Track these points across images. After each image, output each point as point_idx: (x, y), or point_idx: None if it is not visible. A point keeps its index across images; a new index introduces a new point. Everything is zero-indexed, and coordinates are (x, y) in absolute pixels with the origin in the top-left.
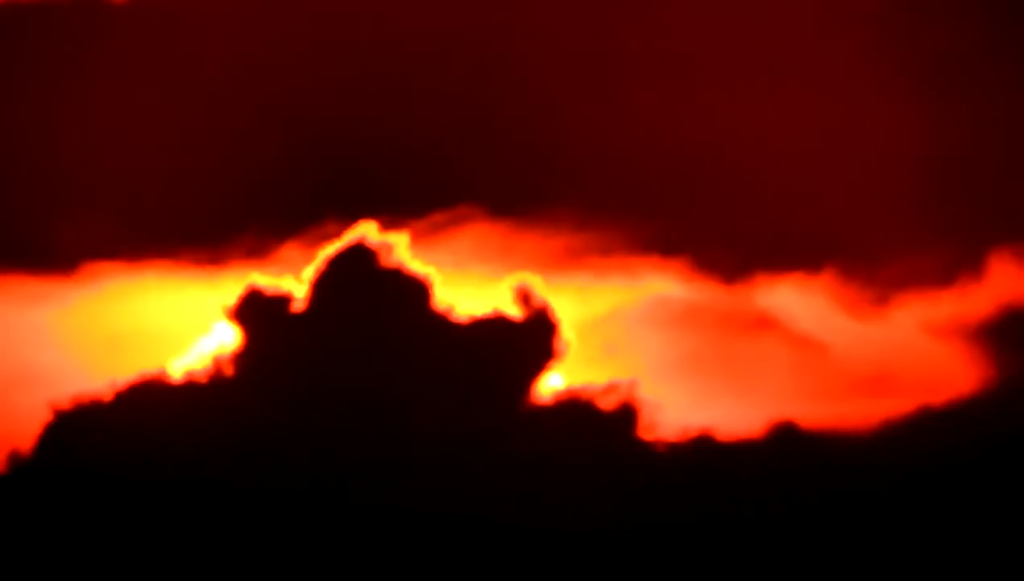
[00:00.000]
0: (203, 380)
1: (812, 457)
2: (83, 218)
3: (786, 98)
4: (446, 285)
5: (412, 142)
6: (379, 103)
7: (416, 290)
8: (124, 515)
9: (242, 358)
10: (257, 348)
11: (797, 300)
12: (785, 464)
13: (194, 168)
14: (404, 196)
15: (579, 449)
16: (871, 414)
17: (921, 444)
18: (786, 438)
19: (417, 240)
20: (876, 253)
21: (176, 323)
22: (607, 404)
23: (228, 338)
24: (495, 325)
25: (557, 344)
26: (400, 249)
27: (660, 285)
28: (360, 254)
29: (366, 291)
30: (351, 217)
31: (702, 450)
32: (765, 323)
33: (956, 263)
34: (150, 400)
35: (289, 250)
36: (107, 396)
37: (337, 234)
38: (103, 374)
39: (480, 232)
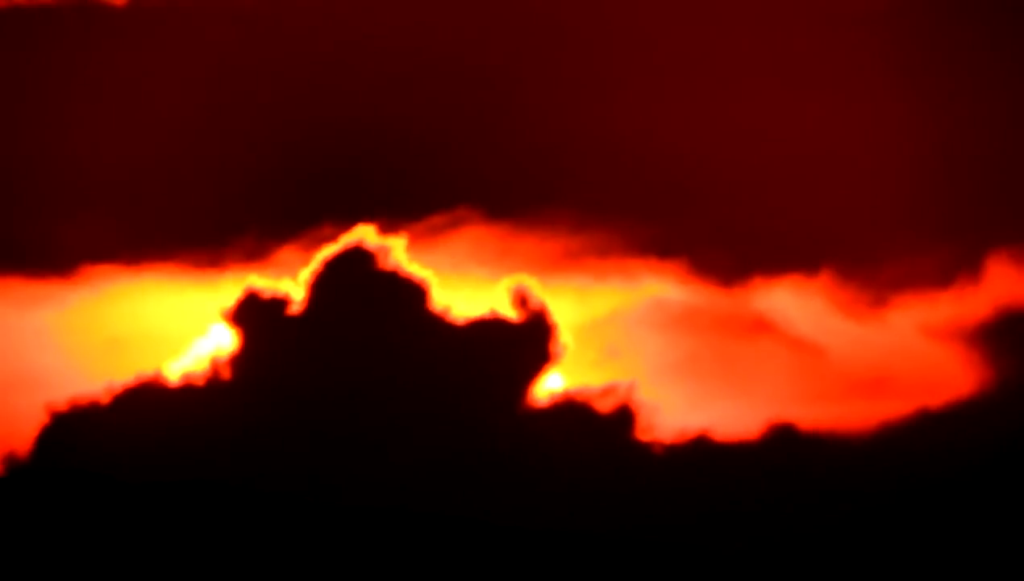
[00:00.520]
0: (201, 382)
1: (810, 459)
2: (82, 221)
3: (784, 100)
4: (444, 287)
5: (410, 145)
6: (377, 106)
7: (414, 292)
8: (121, 517)
9: (240, 360)
10: (255, 350)
11: (795, 302)
12: (783, 466)
13: (192, 171)
14: (402, 199)
15: (577, 451)
16: (869, 416)
17: (919, 446)
18: (784, 440)
19: (415, 242)
20: (874, 255)
21: (175, 325)
22: (605, 406)
23: (226, 340)
24: (493, 327)
25: (554, 346)
26: (398, 251)
27: (658, 287)
28: (358, 257)
29: (364, 293)
30: (349, 220)
31: (700, 452)
32: (763, 325)
33: (954, 265)
34: (148, 402)
35: (287, 253)
36: (105, 398)
37: (335, 237)
38: (102, 376)
39: (478, 234)
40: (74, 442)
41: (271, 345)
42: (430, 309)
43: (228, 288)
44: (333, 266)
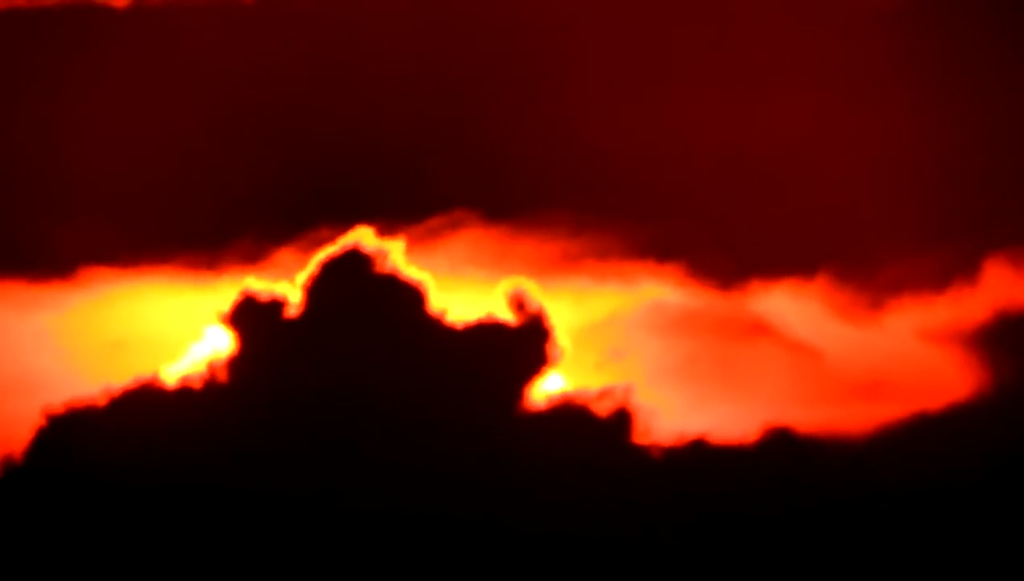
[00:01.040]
0: (198, 385)
1: (807, 462)
2: (80, 223)
3: (781, 104)
4: (441, 290)
5: (407, 147)
6: (374, 108)
7: (411, 295)
8: (118, 520)
9: (237, 363)
10: (252, 353)
11: (792, 305)
12: (781, 469)
13: (190, 173)
14: (399, 201)
15: (575, 454)
16: (866, 420)
17: (917, 449)
18: (782, 443)
19: (412, 245)
20: (871, 258)
21: (173, 328)
22: (602, 409)
23: (222, 343)
24: (490, 330)
25: (552, 349)
26: (395, 254)
27: (657, 290)
28: (355, 259)
29: (361, 296)
30: (346, 222)
31: (697, 455)
32: (761, 328)
33: (952, 268)
34: (144, 405)
35: (284, 255)
36: (102, 401)
37: (332, 239)
38: (100, 379)
39: (476, 237)
40: (71, 445)
41: (268, 348)
42: (427, 312)
43: (226, 291)
44: (330, 269)
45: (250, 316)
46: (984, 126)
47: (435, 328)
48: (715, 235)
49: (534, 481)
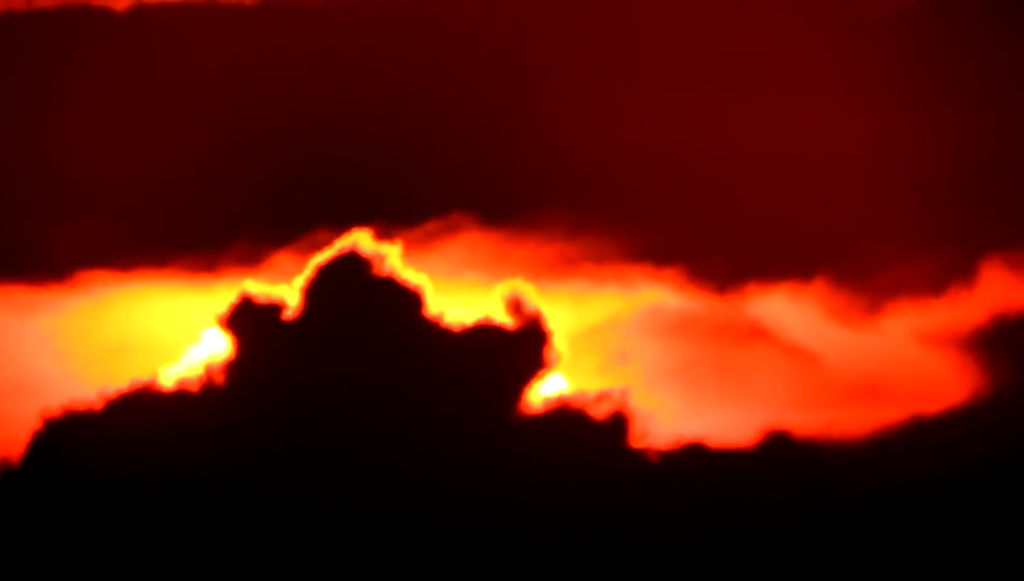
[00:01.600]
0: (195, 388)
1: (805, 465)
2: (78, 227)
3: (779, 110)
4: (439, 293)
5: (405, 151)
6: (372, 112)
7: (408, 298)
8: (116, 522)
9: (234, 365)
10: (249, 356)
11: (789, 309)
12: (778, 472)
13: (188, 177)
14: (397, 204)
15: (571, 457)
16: (864, 422)
17: (914, 452)
18: (779, 446)
19: (410, 248)
20: (868, 262)
21: (172, 331)
22: (599, 413)
23: (220, 346)
24: (487, 333)
25: (549, 353)
26: (392, 257)
27: (655, 294)
28: (353, 262)
29: (358, 299)
30: (344, 225)
31: (695, 458)
32: (758, 332)
33: (948, 272)
34: (142, 408)
35: (282, 258)
36: (99, 404)
37: (330, 242)
38: (99, 382)
39: (473, 240)
40: (70, 447)
41: (266, 350)
42: (425, 315)
43: (224, 294)
44: (328, 272)
45: (248, 319)
46: (981, 132)
47: (432, 331)
48: (713, 239)
49: (531, 483)
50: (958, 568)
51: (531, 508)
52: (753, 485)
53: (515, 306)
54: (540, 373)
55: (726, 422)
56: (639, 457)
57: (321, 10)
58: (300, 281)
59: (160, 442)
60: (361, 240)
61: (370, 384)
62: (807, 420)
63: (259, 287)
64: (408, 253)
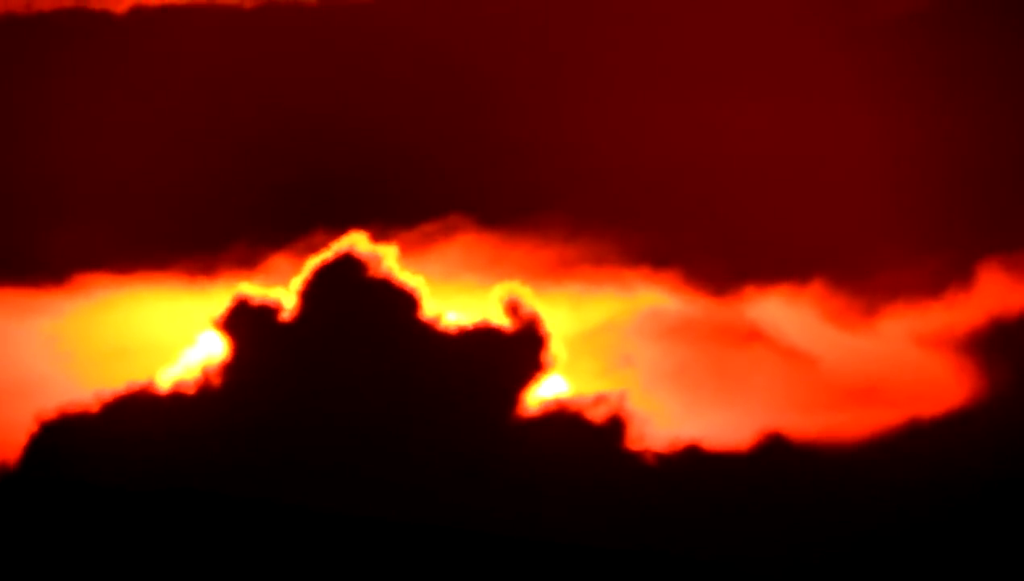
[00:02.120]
0: (192, 390)
1: (801, 467)
2: (76, 230)
3: (776, 114)
4: (436, 295)
5: (402, 152)
6: (369, 114)
7: (405, 300)
8: (112, 524)
9: (231, 367)
10: (246, 358)
11: (787, 311)
12: (775, 474)
13: (185, 180)
14: (394, 206)
15: (568, 459)
16: (860, 425)
17: (911, 454)
18: (776, 448)
19: (407, 250)
20: (865, 265)
21: (170, 333)
22: (597, 415)
23: (217, 348)
24: (484, 335)
25: (545, 355)
26: (389, 259)
27: (653, 296)
28: (349, 264)
29: (355, 301)
30: (340, 227)
31: (692, 460)
32: (756, 335)
33: (945, 274)
34: (139, 410)
35: (279, 260)
36: (96, 406)
37: (326, 244)
38: (98, 384)
39: (470, 242)
40: (67, 450)
41: (262, 353)
42: (421, 317)
43: (221, 296)
44: (324, 273)
45: (244, 321)
46: (978, 135)
47: (429, 333)
48: (711, 241)
49: (528, 486)
50: (956, 569)
51: (528, 510)
52: (750, 487)
53: (513, 308)
54: (537, 375)
55: (723, 424)
56: (636, 459)
57: (318, 14)
58: (297, 283)
59: (157, 444)
60: (358, 242)
61: (367, 386)
62: (804, 422)
63: (255, 289)
64: (405, 255)
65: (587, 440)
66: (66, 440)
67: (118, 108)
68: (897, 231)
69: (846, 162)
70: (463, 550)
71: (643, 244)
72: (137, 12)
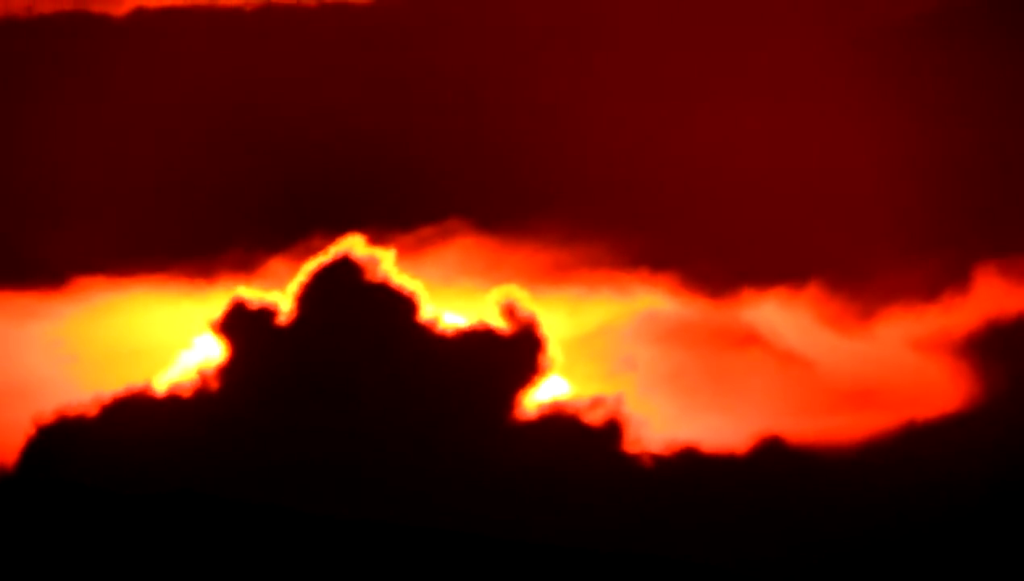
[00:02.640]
0: (189, 393)
1: (798, 470)
2: (74, 234)
3: (773, 117)
4: (433, 299)
5: (400, 156)
6: (367, 118)
7: (402, 304)
8: (109, 527)
9: (228, 370)
10: (243, 361)
11: (784, 315)
12: (771, 477)
13: (183, 184)
14: (391, 209)
15: (565, 462)
16: (857, 428)
17: (907, 457)
18: (772, 451)
19: (404, 253)
20: (862, 268)
21: (168, 336)
22: (594, 418)
23: (214, 351)
24: (481, 339)
25: (543, 358)
26: (387, 262)
27: (650, 300)
28: (347, 267)
29: (352, 304)
30: (338, 231)
31: (689, 463)
32: (752, 338)
33: (942, 277)
34: (137, 413)
35: (276, 264)
36: (93, 409)
37: (324, 247)
38: (96, 387)
39: (468, 245)
40: (64, 452)
41: (259, 356)
42: (418, 320)
43: (219, 299)
44: (322, 277)
45: (241, 324)
46: (975, 138)
47: (426, 336)
48: (708, 245)
49: (525, 488)
50: (953, 573)
51: (525, 513)
52: (746, 490)
53: (510, 311)
54: (535, 378)
55: (720, 427)
56: (633, 462)
57: (318, 19)
58: (294, 286)
59: (154, 447)
60: (355, 245)
61: (364, 389)
62: (801, 425)
63: (252, 292)
64: (402, 258)
65: (584, 443)
66: (63, 442)
67: (116, 112)
68: (894, 235)
69: (843, 166)
70: (460, 553)
71: (640, 247)
72: (135, 18)
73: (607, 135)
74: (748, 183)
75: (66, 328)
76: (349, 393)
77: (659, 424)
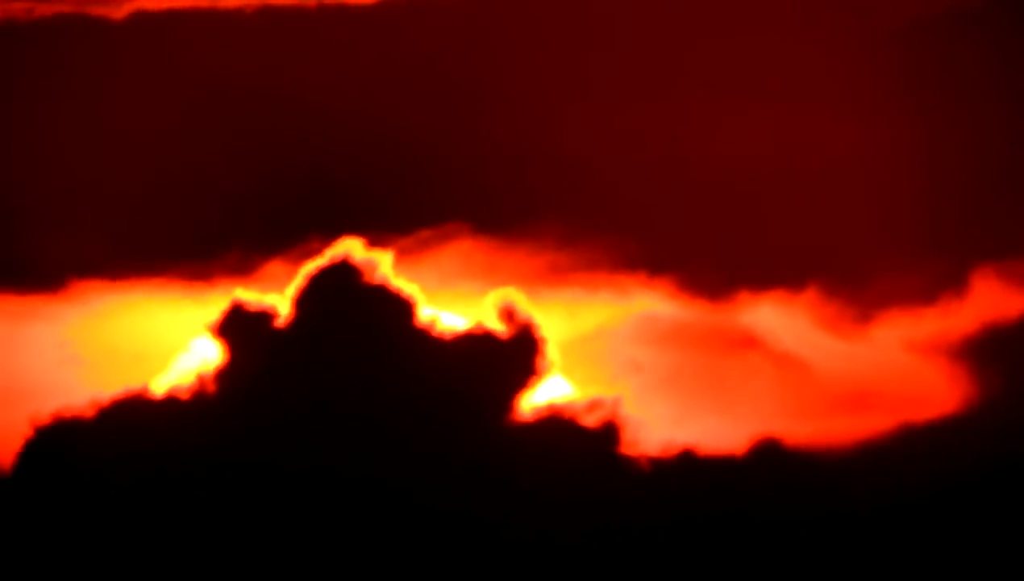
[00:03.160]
0: (186, 396)
1: (795, 474)
2: (71, 236)
3: (770, 118)
4: (431, 302)
5: (397, 159)
6: (364, 119)
7: (400, 307)
8: (107, 528)
9: (225, 373)
10: (240, 364)
11: (781, 318)
12: (768, 481)
13: (180, 186)
14: (389, 212)
15: (563, 465)
16: (854, 432)
17: (904, 461)
18: (769, 455)
19: (402, 257)
20: (859, 270)
21: (166, 340)
22: (591, 420)
23: (211, 354)
24: (479, 342)
25: (541, 360)
26: (384, 265)
27: (647, 302)
28: (344, 270)
29: (350, 307)
30: (335, 233)
31: (685, 467)
32: (749, 341)
33: (939, 281)
34: (134, 416)
35: (274, 266)
36: (90, 412)
37: (321, 250)
38: (93, 390)
39: (466, 248)
40: (62, 456)
41: (257, 358)
42: (416, 324)
43: (217, 302)
44: (319, 280)
45: (239, 327)
46: (972, 140)
47: (424, 340)
48: (705, 248)
49: (523, 492)
50: (950, 575)
51: (522, 515)
52: (743, 493)
53: (507, 314)
54: (532, 381)
55: (718, 429)
56: (631, 464)
57: (316, 21)
58: (292, 289)
59: (151, 450)
60: (353, 248)
61: (361, 392)
62: (798, 427)
63: (250, 295)
64: (400, 261)
65: (581, 445)
66: (61, 445)
67: (114, 115)
68: (892, 238)
69: (840, 169)
70: (459, 554)
71: (638, 250)
72: (134, 21)
73: (605, 139)
74: (746, 186)
75: (64, 331)
76: (347, 396)
77: (656, 426)
